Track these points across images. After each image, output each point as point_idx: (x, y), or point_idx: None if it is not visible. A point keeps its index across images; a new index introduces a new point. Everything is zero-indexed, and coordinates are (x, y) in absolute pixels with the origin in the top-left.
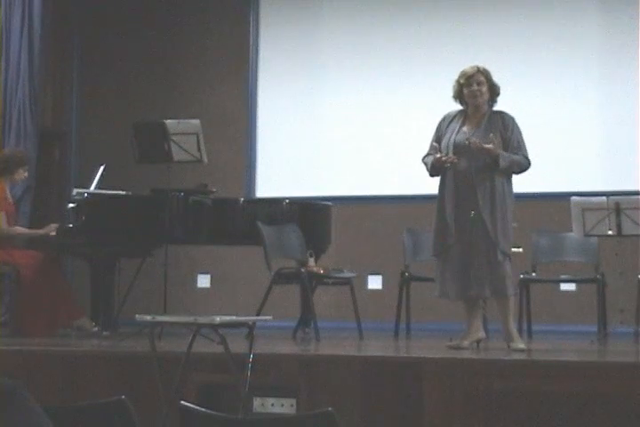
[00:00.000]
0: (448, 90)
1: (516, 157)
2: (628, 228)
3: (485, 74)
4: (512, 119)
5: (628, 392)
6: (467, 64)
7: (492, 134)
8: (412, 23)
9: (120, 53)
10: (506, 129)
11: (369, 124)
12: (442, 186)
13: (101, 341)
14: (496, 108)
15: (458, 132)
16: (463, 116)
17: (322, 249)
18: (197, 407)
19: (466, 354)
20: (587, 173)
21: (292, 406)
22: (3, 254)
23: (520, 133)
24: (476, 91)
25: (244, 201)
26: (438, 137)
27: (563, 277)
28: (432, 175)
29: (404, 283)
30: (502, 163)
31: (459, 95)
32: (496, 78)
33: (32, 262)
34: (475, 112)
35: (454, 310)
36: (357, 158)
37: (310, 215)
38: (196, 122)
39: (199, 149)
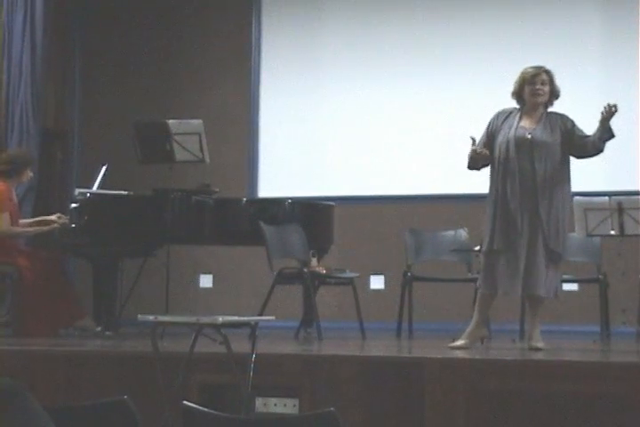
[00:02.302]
0: (451, 90)
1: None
2: (630, 228)
3: (550, 75)
4: (569, 117)
5: (630, 392)
6: (468, 64)
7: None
8: (415, 23)
9: (122, 53)
10: (565, 124)
11: (372, 124)
12: (503, 181)
13: (104, 341)
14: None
15: (516, 127)
16: (519, 113)
17: (324, 249)
18: (200, 407)
19: (468, 354)
20: (589, 173)
21: (294, 406)
22: (5, 255)
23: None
24: (539, 89)
25: (246, 201)
26: (491, 133)
27: (565, 277)
28: (470, 168)
29: (406, 283)
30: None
31: (518, 92)
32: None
33: (34, 263)
34: (532, 111)
35: (456, 311)
36: (360, 158)
37: (313, 215)
38: (199, 122)
39: (201, 149)
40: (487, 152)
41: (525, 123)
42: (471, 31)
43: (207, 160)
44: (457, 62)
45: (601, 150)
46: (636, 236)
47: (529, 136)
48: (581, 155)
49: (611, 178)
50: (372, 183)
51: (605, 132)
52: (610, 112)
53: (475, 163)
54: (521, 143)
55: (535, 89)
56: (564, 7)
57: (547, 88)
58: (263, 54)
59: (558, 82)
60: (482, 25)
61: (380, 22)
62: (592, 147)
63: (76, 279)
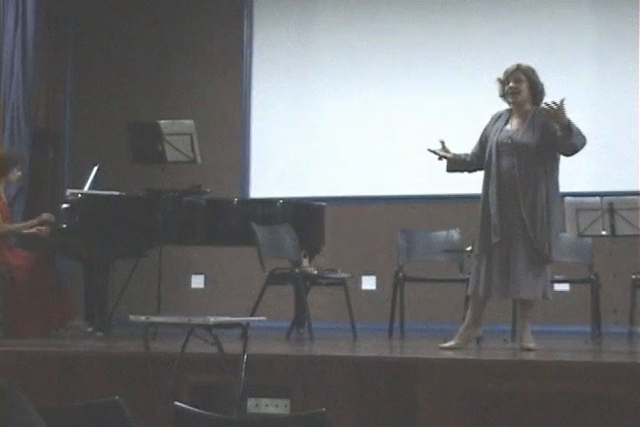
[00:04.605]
0: (442, 90)
1: (576, 126)
2: (621, 228)
3: (525, 72)
4: None
5: (621, 392)
6: (462, 65)
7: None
8: (407, 24)
9: (114, 54)
10: (548, 120)
11: (363, 125)
12: (485, 185)
13: (95, 341)
14: None
15: (501, 130)
16: (508, 114)
17: (316, 249)
18: (191, 408)
19: (459, 354)
20: (580, 173)
21: (286, 406)
22: None
23: None
24: (514, 88)
25: (237, 201)
26: (484, 136)
27: (556, 277)
28: (448, 171)
29: (397, 283)
30: (574, 128)
31: (503, 94)
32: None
33: (25, 263)
34: (518, 110)
35: (448, 311)
36: (351, 159)
37: (304, 216)
38: (190, 122)
39: (193, 150)
40: (441, 152)
41: (512, 124)
42: (467, 32)
43: (199, 161)
44: (449, 63)
45: (574, 147)
46: (628, 236)
47: (509, 140)
48: (562, 153)
49: (602, 178)
50: (363, 184)
51: (564, 130)
52: (552, 110)
53: (450, 165)
54: (502, 147)
55: (510, 88)
56: (560, 6)
57: (523, 85)
58: (255, 55)
59: (552, 82)
60: (475, 27)
61: (371, 23)
62: (567, 146)
63: (67, 279)
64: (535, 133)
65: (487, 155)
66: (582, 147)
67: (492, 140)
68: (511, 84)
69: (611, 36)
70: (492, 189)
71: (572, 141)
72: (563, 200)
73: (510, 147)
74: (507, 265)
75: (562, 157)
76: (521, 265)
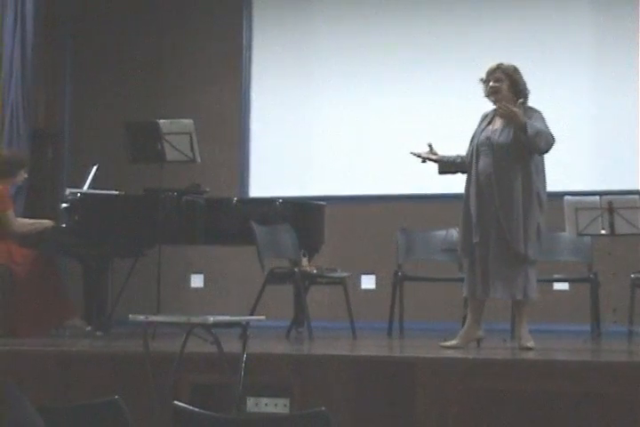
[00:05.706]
0: (438, 90)
1: (539, 127)
2: (621, 227)
3: (506, 71)
4: (537, 112)
5: (621, 391)
6: (459, 66)
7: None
8: (407, 25)
9: (113, 53)
10: (529, 119)
11: (362, 125)
12: (467, 184)
13: (94, 341)
14: None
15: (483, 131)
16: (493, 114)
17: (315, 249)
18: (190, 407)
19: (458, 353)
20: (580, 172)
21: (285, 405)
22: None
23: (544, 120)
24: (493, 87)
25: (237, 201)
26: (473, 136)
27: (556, 276)
28: (439, 173)
29: (397, 282)
30: (530, 130)
31: (486, 93)
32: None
33: (26, 261)
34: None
35: (447, 310)
36: (351, 158)
37: (303, 215)
38: (189, 121)
39: (192, 149)
40: (424, 155)
41: (495, 124)
42: (464, 33)
43: (198, 160)
44: (448, 64)
45: (538, 147)
46: (627, 235)
47: (487, 141)
48: (534, 152)
49: (602, 177)
50: (363, 183)
51: (519, 130)
52: (504, 113)
53: (442, 167)
54: (481, 147)
55: (490, 87)
56: (558, 5)
57: (504, 85)
58: (254, 55)
59: (551, 81)
60: (474, 27)
61: (370, 24)
62: (530, 146)
63: (66, 279)
64: (511, 132)
65: (469, 155)
66: (548, 147)
67: (475, 140)
68: (491, 84)
69: (610, 36)
70: (472, 190)
71: (532, 142)
72: (562, 199)
73: (488, 147)
74: (487, 265)
75: (558, 157)
76: (498, 265)
